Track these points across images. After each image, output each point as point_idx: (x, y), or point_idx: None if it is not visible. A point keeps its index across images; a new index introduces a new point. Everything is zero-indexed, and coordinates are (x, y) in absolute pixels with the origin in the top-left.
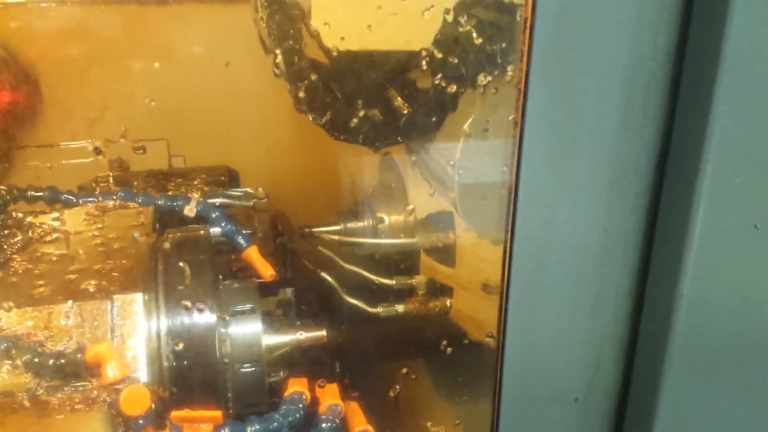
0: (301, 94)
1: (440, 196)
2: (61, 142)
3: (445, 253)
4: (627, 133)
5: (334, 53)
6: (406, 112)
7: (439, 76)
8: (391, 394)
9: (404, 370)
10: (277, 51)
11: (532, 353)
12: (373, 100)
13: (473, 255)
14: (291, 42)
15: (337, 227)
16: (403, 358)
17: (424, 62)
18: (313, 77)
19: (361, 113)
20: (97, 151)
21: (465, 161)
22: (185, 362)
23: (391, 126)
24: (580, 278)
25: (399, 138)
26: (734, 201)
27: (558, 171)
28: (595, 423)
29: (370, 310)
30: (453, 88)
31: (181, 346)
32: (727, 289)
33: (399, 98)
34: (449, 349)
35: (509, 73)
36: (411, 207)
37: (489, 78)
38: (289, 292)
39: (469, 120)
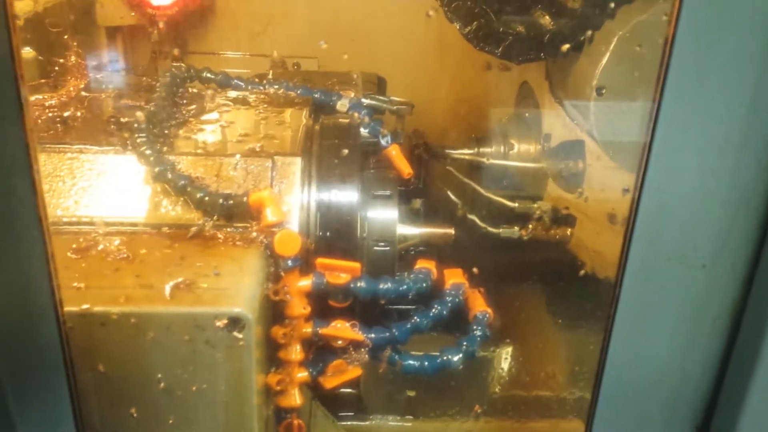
0: (450, 2)
1: (575, 123)
2: (227, 51)
3: (573, 182)
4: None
5: None
6: (550, 28)
7: None
8: None
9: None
10: None
11: (665, 212)
12: (519, 13)
13: (602, 185)
14: None
15: (471, 150)
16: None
17: None
18: None
19: (507, 26)
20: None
21: (605, 84)
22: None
23: (534, 41)
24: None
25: (541, 54)
26: None
27: (702, 83)
28: (720, 292)
29: (490, 229)
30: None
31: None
32: None
33: (545, 14)
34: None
35: None
36: (546, 134)
37: None
38: (419, 203)
39: (613, 42)
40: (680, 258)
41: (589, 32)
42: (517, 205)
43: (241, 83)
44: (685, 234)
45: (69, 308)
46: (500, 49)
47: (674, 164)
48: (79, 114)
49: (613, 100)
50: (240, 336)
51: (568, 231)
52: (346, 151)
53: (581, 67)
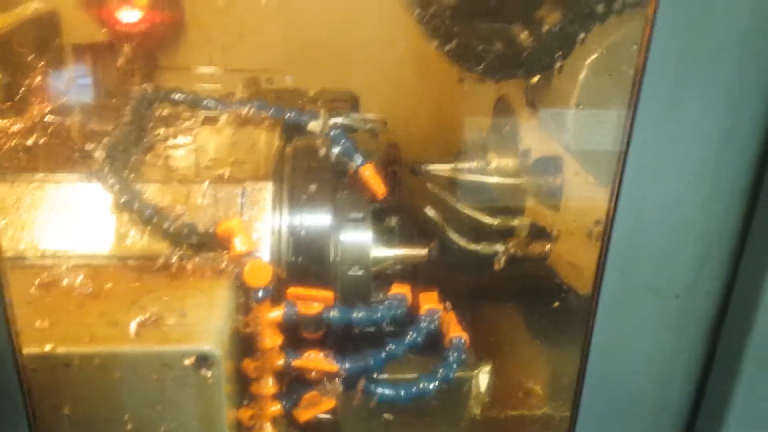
0: (430, 20)
1: (552, 138)
2: (199, 66)
3: (552, 198)
4: (746, 81)
5: None
6: (529, 45)
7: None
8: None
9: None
10: None
11: (638, 242)
12: (498, 31)
13: (580, 200)
14: None
15: (448, 166)
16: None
17: None
18: (441, 5)
19: (486, 43)
20: None
21: (583, 102)
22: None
23: (513, 58)
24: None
25: (520, 71)
26: None
27: (674, 110)
28: (694, 323)
29: (470, 246)
30: (578, 23)
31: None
32: None
33: (524, 31)
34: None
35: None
36: (523, 149)
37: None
38: (394, 221)
39: (592, 57)
40: (654, 288)
41: (568, 49)
42: (497, 221)
43: (212, 103)
44: (659, 264)
45: (31, 350)
46: (480, 66)
47: (646, 193)
48: (42, 141)
49: (590, 117)
50: (209, 374)
51: (548, 246)
52: (318, 174)
53: (559, 83)
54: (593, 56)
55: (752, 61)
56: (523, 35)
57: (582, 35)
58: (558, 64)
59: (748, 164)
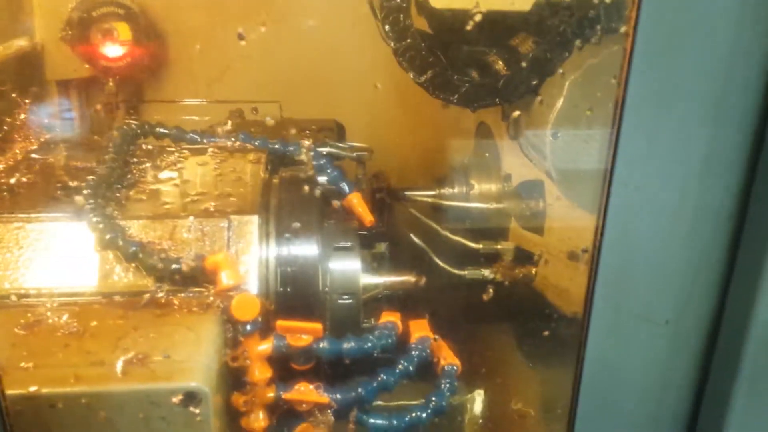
0: (404, 53)
1: (533, 164)
2: (184, 99)
3: (534, 222)
4: (727, 106)
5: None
6: (504, 74)
7: (539, 39)
8: None
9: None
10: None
11: (626, 269)
12: (473, 61)
13: (563, 224)
14: (399, 1)
15: (432, 192)
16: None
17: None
18: (416, 38)
19: (461, 74)
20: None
21: (560, 128)
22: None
23: (489, 87)
24: (681, 197)
25: (496, 100)
26: None
27: (656, 137)
28: (685, 348)
29: (456, 272)
30: (552, 52)
31: (287, 267)
32: None
33: (499, 60)
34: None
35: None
36: (505, 174)
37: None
38: (383, 247)
39: (567, 84)
40: (644, 314)
41: (543, 78)
42: (481, 246)
43: (197, 137)
44: (648, 290)
45: (16, 391)
46: (455, 96)
47: (632, 221)
48: (25, 179)
49: (568, 143)
50: (197, 411)
51: (533, 270)
52: (304, 205)
53: (537, 110)
54: (569, 84)
55: (732, 89)
56: (499, 64)
57: (558, 63)
58: (536, 97)
59: (732, 189)
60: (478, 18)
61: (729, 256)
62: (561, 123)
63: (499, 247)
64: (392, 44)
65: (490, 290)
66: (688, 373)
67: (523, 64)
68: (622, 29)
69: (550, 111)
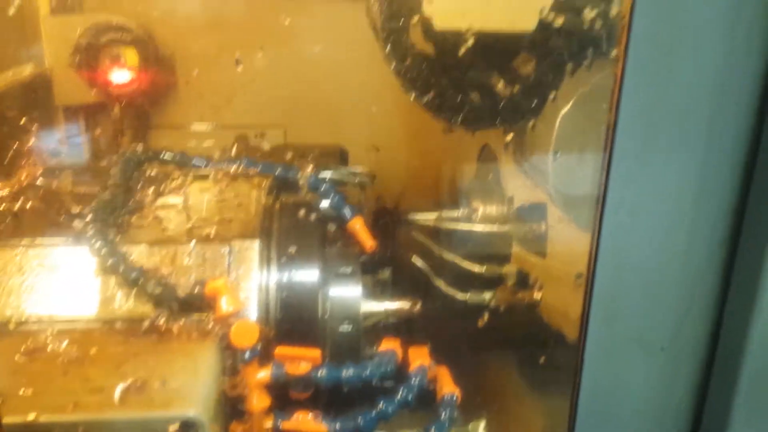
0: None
1: (535, 186)
2: (189, 124)
3: (537, 245)
4: (718, 131)
5: (443, 33)
6: (505, 95)
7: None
8: None
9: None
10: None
11: (621, 294)
12: (474, 83)
13: (566, 246)
14: (400, 22)
15: (434, 215)
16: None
17: (526, 45)
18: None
19: (462, 95)
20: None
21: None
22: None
23: (490, 109)
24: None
25: (497, 122)
26: None
27: (648, 161)
28: (681, 373)
29: (458, 296)
30: (553, 74)
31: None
32: None
33: (500, 82)
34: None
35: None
36: (508, 197)
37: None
38: (387, 273)
39: (568, 105)
40: (639, 340)
41: (543, 99)
42: (484, 269)
43: (200, 163)
44: (643, 316)
45: (14, 419)
46: (457, 117)
47: (625, 247)
48: (29, 205)
49: (569, 165)
50: None
51: (537, 294)
52: (305, 231)
53: (538, 131)
54: (567, 107)
55: (723, 113)
56: (500, 86)
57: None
58: (533, 119)
59: (725, 213)
60: (477, 39)
61: (723, 280)
62: (560, 146)
63: (502, 270)
64: (393, 65)
65: (493, 315)
66: (685, 398)
67: (524, 86)
68: (613, 53)
69: (550, 133)
